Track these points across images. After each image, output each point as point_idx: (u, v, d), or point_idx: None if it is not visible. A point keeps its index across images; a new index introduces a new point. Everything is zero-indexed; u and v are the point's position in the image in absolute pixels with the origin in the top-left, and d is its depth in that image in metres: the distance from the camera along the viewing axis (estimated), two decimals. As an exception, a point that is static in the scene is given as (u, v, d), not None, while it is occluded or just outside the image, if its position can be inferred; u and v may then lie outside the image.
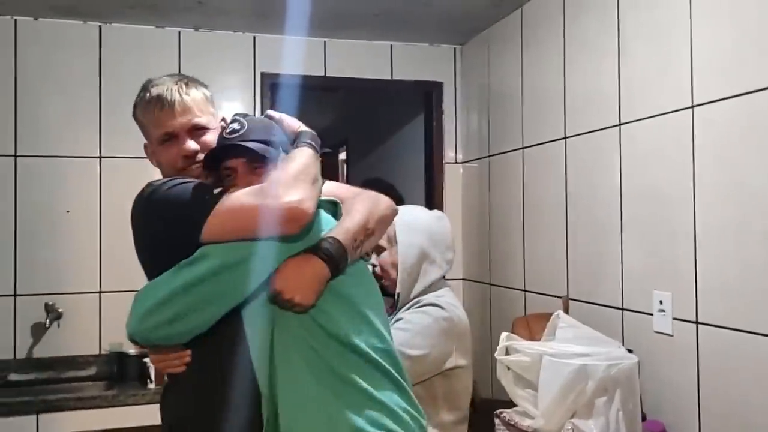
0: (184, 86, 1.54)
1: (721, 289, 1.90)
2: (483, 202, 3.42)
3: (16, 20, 3.12)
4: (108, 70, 3.22)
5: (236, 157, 1.47)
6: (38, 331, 3.07)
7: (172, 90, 1.52)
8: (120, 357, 3.03)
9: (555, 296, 2.71)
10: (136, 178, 3.15)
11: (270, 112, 1.60)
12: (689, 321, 2.02)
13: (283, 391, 1.34)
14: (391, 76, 3.62)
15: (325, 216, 1.46)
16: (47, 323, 3.03)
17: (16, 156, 3.10)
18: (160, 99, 1.51)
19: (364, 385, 1.36)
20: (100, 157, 3.18)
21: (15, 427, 2.62)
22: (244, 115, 1.53)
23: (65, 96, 3.17)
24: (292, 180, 1.34)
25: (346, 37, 3.51)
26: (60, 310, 3.07)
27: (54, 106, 3.15)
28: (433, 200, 3.65)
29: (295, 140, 1.50)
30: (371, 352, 1.39)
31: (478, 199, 3.47)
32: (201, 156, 1.51)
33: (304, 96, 2.96)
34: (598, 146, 2.47)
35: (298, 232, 1.35)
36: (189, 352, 1.38)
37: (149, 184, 1.44)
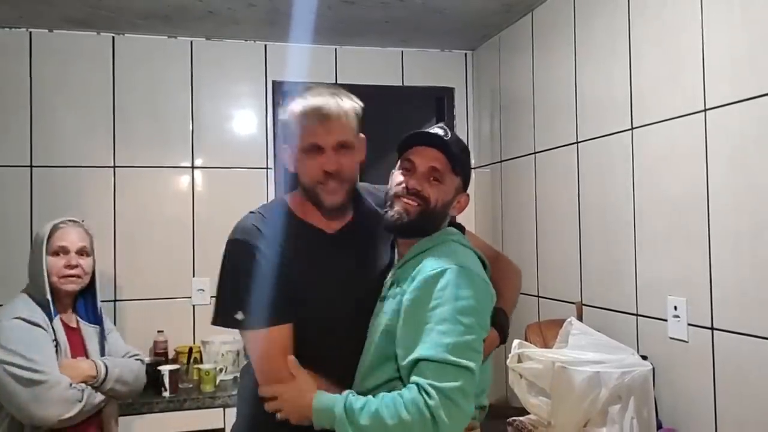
0: (340, 100, 1.56)
1: (737, 294, 1.88)
2: (495, 208, 3.41)
3: (31, 33, 3.16)
4: (121, 80, 3.25)
5: (436, 148, 1.51)
6: (54, 339, 3.09)
7: (329, 104, 1.54)
8: (135, 365, 3.03)
9: (568, 302, 2.69)
10: (149, 188, 3.26)
11: None
12: (704, 327, 1.99)
13: None
14: (402, 83, 3.62)
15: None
16: (63, 332, 3.06)
17: (31, 166, 3.14)
18: (317, 110, 1.53)
19: None
20: (114, 167, 3.21)
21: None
22: (451, 129, 1.58)
23: (79, 107, 3.21)
24: None
25: (357, 44, 3.52)
26: (75, 318, 3.10)
27: (68, 116, 3.19)
28: (445, 206, 3.63)
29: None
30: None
31: (491, 205, 3.46)
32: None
33: (315, 104, 2.97)
34: (610, 151, 2.45)
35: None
36: None
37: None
